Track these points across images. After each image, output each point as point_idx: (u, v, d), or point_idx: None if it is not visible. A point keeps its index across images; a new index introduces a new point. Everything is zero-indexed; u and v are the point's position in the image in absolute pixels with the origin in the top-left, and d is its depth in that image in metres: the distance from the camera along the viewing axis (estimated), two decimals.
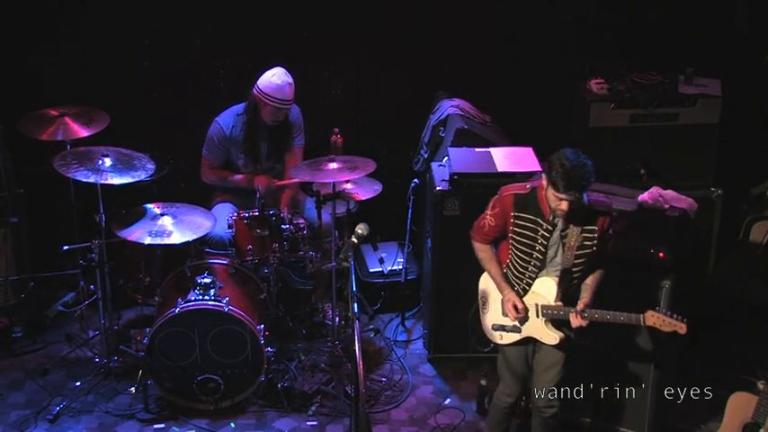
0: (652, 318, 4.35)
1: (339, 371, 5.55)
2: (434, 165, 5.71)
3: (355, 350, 3.83)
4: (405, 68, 6.32)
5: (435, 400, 5.53)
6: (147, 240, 5.24)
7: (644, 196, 4.95)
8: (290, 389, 5.45)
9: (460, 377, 5.68)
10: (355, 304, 4.05)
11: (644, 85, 6.00)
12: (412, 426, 5.33)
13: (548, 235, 4.39)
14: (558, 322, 4.51)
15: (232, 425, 5.30)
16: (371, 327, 6.07)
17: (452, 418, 5.37)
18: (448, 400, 5.52)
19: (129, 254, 5.58)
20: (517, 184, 4.58)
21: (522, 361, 4.67)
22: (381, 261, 6.16)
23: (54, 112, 5.61)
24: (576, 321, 4.42)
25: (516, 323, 4.58)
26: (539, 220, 4.39)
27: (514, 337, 4.62)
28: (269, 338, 5.43)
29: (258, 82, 5.60)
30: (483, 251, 4.62)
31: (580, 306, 4.42)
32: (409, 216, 6.04)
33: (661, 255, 4.86)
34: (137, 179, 5.28)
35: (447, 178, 5.50)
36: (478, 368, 5.48)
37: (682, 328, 4.32)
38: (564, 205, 4.25)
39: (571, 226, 4.37)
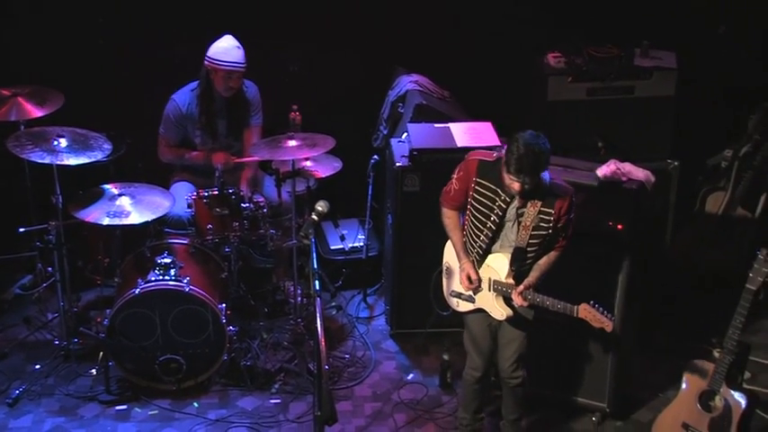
0: (584, 311, 4.40)
1: (302, 348, 5.55)
2: (394, 141, 5.71)
3: (317, 327, 3.83)
4: (362, 44, 6.30)
5: (398, 375, 5.56)
6: (106, 221, 5.19)
7: (602, 169, 4.98)
8: (253, 367, 5.45)
9: (423, 352, 5.72)
10: (316, 282, 4.04)
11: (600, 59, 6.03)
12: (375, 401, 5.35)
13: (504, 206, 4.41)
14: (509, 299, 4.55)
15: (195, 404, 5.30)
16: (333, 304, 6.08)
17: (415, 393, 5.41)
18: (411, 376, 5.55)
19: (87, 235, 5.52)
20: (485, 150, 4.58)
21: (486, 335, 4.70)
22: (342, 238, 6.16)
23: (6, 92, 5.52)
24: (516, 300, 4.46)
25: (471, 293, 4.62)
26: (498, 190, 4.40)
27: (469, 306, 4.67)
28: (231, 317, 5.42)
29: (207, 52, 5.56)
30: (448, 217, 4.64)
31: (521, 287, 4.45)
32: (369, 193, 6.04)
33: (619, 227, 4.91)
34: (93, 159, 5.21)
35: (406, 154, 5.50)
36: (441, 343, 5.52)
37: (608, 327, 4.37)
38: (515, 186, 4.27)
39: (528, 205, 4.38)
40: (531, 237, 4.42)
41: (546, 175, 4.35)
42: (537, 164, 4.23)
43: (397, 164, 5.50)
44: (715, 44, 6.42)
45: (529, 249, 4.46)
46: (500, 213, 4.42)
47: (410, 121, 5.75)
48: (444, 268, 4.79)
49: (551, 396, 5.22)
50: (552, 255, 4.53)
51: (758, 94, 6.26)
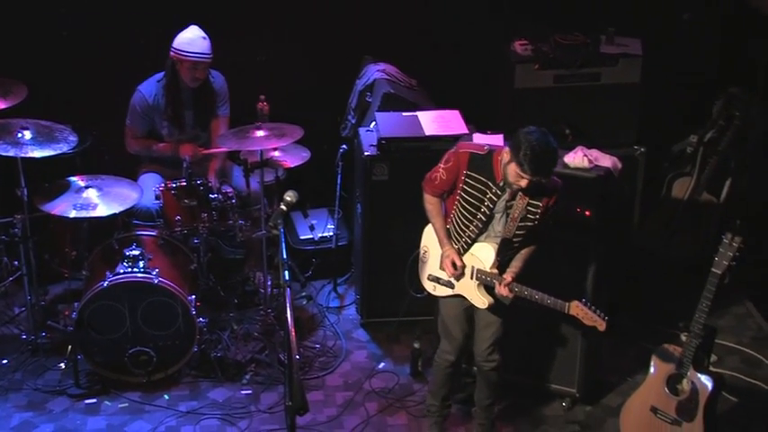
0: (576, 308, 4.41)
1: (272, 339, 5.55)
2: (362, 130, 5.70)
3: (287, 318, 3.83)
4: (330, 33, 6.28)
5: (369, 364, 5.57)
6: (72, 214, 5.15)
7: (569, 156, 5.01)
8: (224, 358, 5.44)
9: (394, 341, 5.73)
10: (286, 272, 4.04)
11: (567, 46, 6.05)
12: (347, 391, 5.36)
13: (495, 199, 4.43)
14: (490, 288, 4.57)
15: (165, 396, 5.28)
16: (303, 294, 6.07)
17: (387, 381, 5.42)
18: (382, 364, 5.57)
19: (53, 228, 5.47)
20: (475, 143, 4.60)
21: (460, 319, 4.72)
22: (312, 228, 6.16)
23: None
24: (502, 291, 4.48)
25: (451, 279, 4.63)
26: (489, 183, 4.42)
27: (446, 291, 4.68)
28: (201, 309, 5.40)
29: (173, 42, 5.53)
30: (431, 203, 4.64)
31: (508, 277, 4.47)
32: (338, 182, 6.04)
33: (587, 213, 4.94)
34: (59, 152, 5.17)
35: (375, 143, 5.50)
36: (411, 332, 5.53)
37: (601, 326, 4.38)
38: (524, 183, 4.28)
39: (518, 198, 4.41)
40: (518, 228, 4.45)
41: None
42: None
43: (366, 153, 5.50)
44: (680, 31, 6.47)
45: (514, 240, 4.49)
46: (490, 206, 4.44)
47: (378, 110, 5.75)
48: (422, 252, 4.79)
49: (522, 382, 5.25)
50: (534, 245, 4.56)
51: (722, 81, 6.32)
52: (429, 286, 4.77)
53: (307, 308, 6.00)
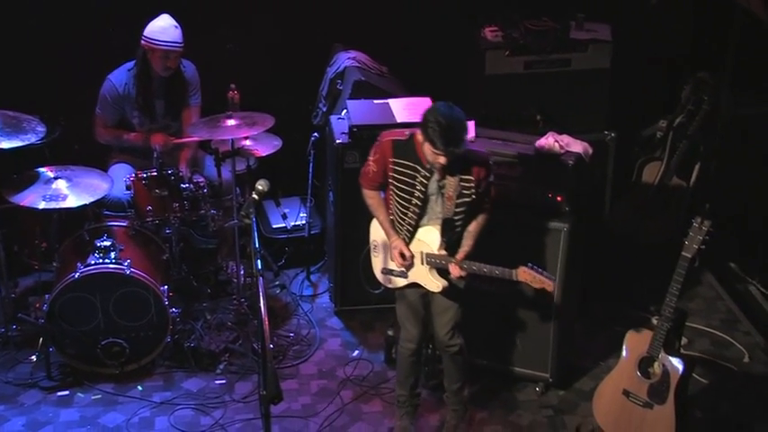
0: (524, 273, 4.44)
1: (246, 328, 5.54)
2: (333, 118, 5.69)
3: (260, 307, 3.82)
4: (300, 21, 6.25)
5: (343, 352, 5.57)
6: (42, 205, 5.11)
7: (540, 142, 5.03)
8: (197, 348, 5.42)
9: (368, 329, 5.74)
10: (258, 261, 4.03)
11: (537, 32, 6.07)
12: (321, 379, 5.37)
13: (425, 182, 4.44)
14: (442, 270, 4.58)
15: (139, 388, 5.26)
16: (277, 283, 6.06)
17: (361, 369, 5.43)
18: (356, 352, 5.57)
19: (23, 219, 5.42)
20: (396, 130, 4.60)
21: (417, 307, 4.73)
22: (284, 216, 6.14)
23: None
24: (455, 271, 4.50)
25: (403, 269, 4.64)
26: (417, 166, 4.43)
27: (401, 281, 4.69)
28: (173, 299, 5.38)
29: (144, 31, 5.48)
30: (371, 197, 4.65)
31: (460, 255, 4.49)
32: (310, 170, 6.03)
33: (558, 198, 4.97)
34: (27, 143, 5.12)
35: (346, 131, 5.49)
36: (385, 319, 5.54)
37: (549, 286, 4.42)
38: (442, 159, 4.31)
39: (448, 176, 4.42)
40: (457, 206, 4.46)
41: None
42: (462, 133, 4.28)
43: (337, 141, 5.49)
44: (648, 16, 6.50)
45: (456, 219, 4.50)
46: (422, 189, 4.46)
47: (349, 98, 5.73)
48: (372, 247, 4.79)
49: (495, 368, 5.28)
50: (480, 219, 4.57)
51: (691, 65, 6.36)
52: (384, 280, 4.77)
53: (280, 297, 5.99)
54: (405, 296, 4.74)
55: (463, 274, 4.51)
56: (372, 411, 5.15)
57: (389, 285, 4.78)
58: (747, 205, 6.10)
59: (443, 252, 4.54)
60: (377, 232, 4.73)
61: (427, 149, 4.32)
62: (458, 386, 4.89)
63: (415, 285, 4.67)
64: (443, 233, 4.52)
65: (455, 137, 4.25)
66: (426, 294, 4.69)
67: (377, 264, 4.78)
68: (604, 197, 6.14)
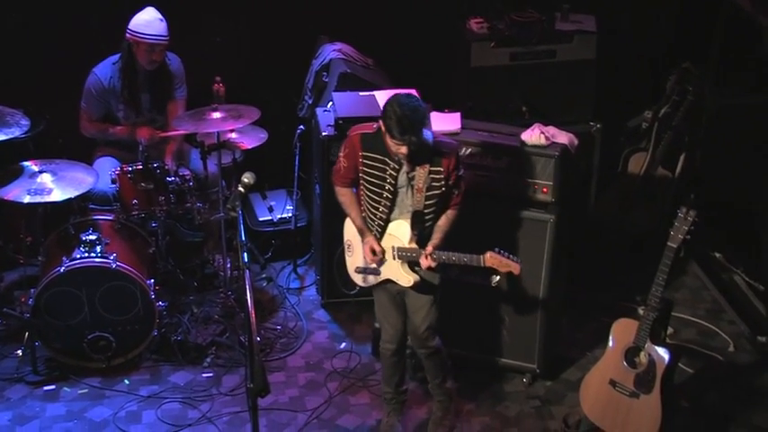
0: (491, 259, 4.43)
1: (233, 321, 5.53)
2: (319, 110, 5.68)
3: (247, 299, 3.82)
4: (285, 13, 6.24)
5: (330, 344, 5.58)
6: (27, 199, 5.09)
7: (526, 133, 5.04)
8: (184, 342, 5.41)
9: (355, 321, 5.74)
10: (245, 254, 4.02)
11: (522, 23, 6.07)
12: (308, 371, 5.37)
13: (395, 174, 4.43)
14: (414, 264, 4.57)
15: (126, 381, 5.25)
16: (264, 275, 6.06)
17: (348, 361, 5.43)
18: (343, 345, 5.58)
19: (7, 214, 5.40)
20: (365, 123, 4.58)
21: (393, 306, 4.71)
22: (270, 209, 6.13)
23: None
24: (425, 263, 4.48)
25: (375, 266, 4.63)
26: (386, 159, 4.42)
27: (375, 279, 4.67)
28: (160, 293, 5.37)
29: (129, 24, 5.46)
30: (343, 195, 4.64)
31: (429, 248, 4.47)
32: (296, 163, 6.02)
33: (544, 190, 4.98)
34: (11, 136, 5.10)
35: (332, 123, 5.48)
36: (372, 311, 5.52)
37: (516, 269, 4.41)
38: (403, 149, 4.29)
39: (417, 168, 4.41)
40: (427, 198, 4.45)
41: (429, 136, 4.37)
42: (417, 121, 4.25)
43: (323, 133, 5.48)
44: (633, 7, 6.51)
45: (426, 211, 4.48)
46: (392, 182, 4.44)
47: (335, 90, 5.73)
48: (346, 246, 4.77)
49: (482, 359, 5.29)
50: (450, 214, 4.54)
51: (676, 56, 6.38)
52: (358, 279, 4.73)
53: (267, 289, 5.99)
54: (381, 296, 4.72)
55: (433, 264, 4.48)
56: (360, 403, 5.15)
57: (364, 284, 4.74)
58: (732, 195, 6.12)
59: (414, 245, 4.52)
60: (350, 231, 4.70)
61: (389, 141, 4.31)
62: (439, 380, 4.87)
63: (389, 282, 4.65)
64: (414, 226, 4.50)
65: (411, 125, 4.22)
66: (401, 293, 4.67)
67: (351, 263, 4.75)
68: (590, 188, 6.16)
